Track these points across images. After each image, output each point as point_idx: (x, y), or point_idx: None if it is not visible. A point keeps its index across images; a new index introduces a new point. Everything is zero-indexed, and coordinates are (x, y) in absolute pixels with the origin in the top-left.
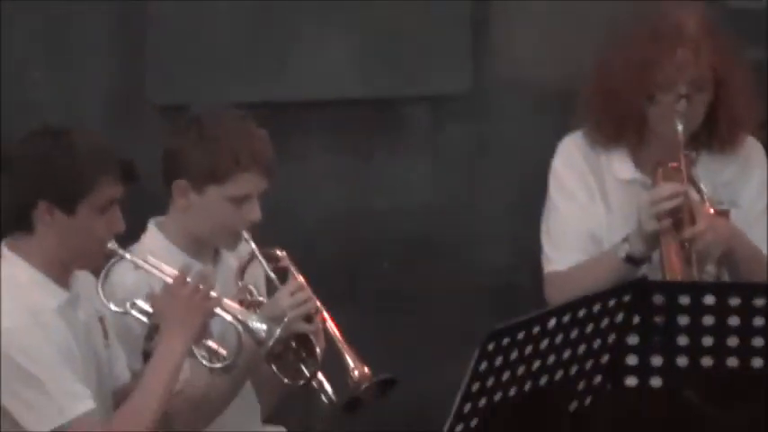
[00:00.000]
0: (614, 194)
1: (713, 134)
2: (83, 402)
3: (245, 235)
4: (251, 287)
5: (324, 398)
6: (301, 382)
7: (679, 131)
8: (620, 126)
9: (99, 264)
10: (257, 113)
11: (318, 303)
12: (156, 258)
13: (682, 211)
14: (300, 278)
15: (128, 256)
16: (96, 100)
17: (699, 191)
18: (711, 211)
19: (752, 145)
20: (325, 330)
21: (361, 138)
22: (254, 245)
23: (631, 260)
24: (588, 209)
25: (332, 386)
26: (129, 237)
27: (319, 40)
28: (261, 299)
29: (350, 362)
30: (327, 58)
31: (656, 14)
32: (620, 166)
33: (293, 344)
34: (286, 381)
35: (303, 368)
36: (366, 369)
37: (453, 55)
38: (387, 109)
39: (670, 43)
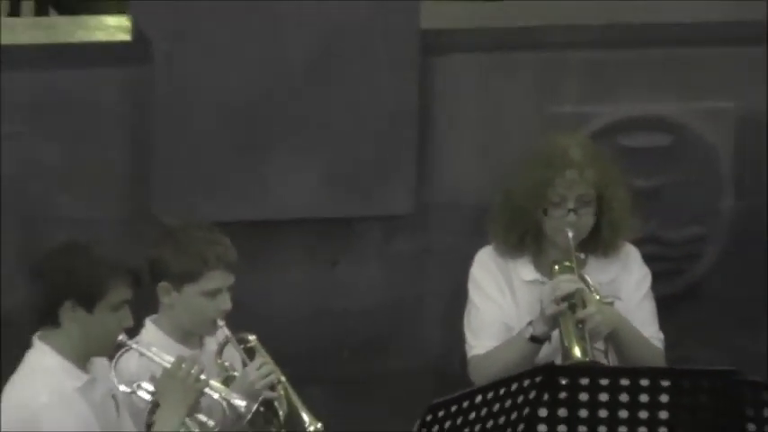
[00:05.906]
0: (520, 293)
1: (598, 240)
2: None
3: (220, 323)
4: (227, 364)
5: None
6: None
7: (569, 238)
8: (522, 236)
9: (112, 352)
10: (243, 229)
11: (280, 375)
12: (155, 348)
13: (575, 298)
14: (266, 355)
15: (135, 346)
16: (113, 218)
17: (587, 284)
18: (598, 299)
19: (629, 249)
20: (287, 397)
21: (326, 250)
22: (227, 331)
23: (535, 339)
24: (501, 305)
25: None
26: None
27: (291, 167)
28: (235, 373)
29: (306, 418)
30: (298, 183)
31: (548, 145)
32: (524, 269)
33: (261, 409)
34: None
35: (271, 429)
36: (320, 424)
37: (400, 180)
38: (346, 225)
39: (560, 166)
